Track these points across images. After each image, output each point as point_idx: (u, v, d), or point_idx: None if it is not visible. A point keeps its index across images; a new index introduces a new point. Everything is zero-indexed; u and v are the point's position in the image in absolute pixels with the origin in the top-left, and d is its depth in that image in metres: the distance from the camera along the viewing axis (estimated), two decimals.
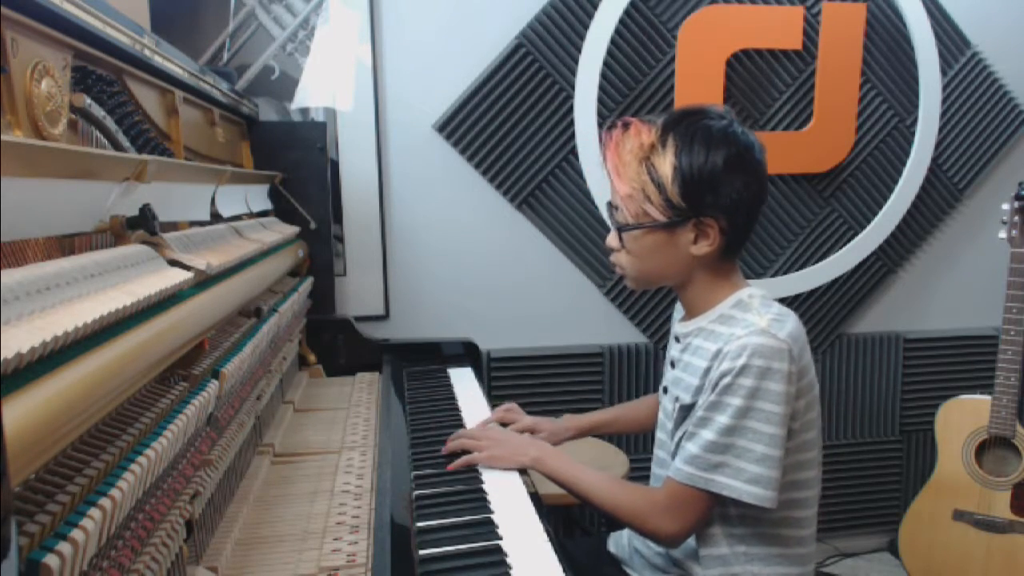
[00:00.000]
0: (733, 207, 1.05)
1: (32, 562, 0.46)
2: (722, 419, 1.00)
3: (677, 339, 1.17)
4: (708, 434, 1.02)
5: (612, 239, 1.15)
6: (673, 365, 1.17)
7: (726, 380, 1.00)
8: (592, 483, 1.14)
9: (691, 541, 1.12)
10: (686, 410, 1.08)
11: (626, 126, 1.10)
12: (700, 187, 1.04)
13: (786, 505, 1.06)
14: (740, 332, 1.02)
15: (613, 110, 2.11)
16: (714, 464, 1.01)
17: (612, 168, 1.10)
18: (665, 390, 1.19)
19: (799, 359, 1.03)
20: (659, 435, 1.22)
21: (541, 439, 1.36)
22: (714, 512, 1.08)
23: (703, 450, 1.02)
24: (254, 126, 1.78)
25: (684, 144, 1.04)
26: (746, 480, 1.00)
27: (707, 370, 1.04)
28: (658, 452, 1.22)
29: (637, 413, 1.48)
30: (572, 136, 2.10)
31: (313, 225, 1.79)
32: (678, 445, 1.09)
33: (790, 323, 1.05)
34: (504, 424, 1.39)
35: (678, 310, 1.28)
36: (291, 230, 1.64)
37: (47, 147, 0.62)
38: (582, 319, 2.23)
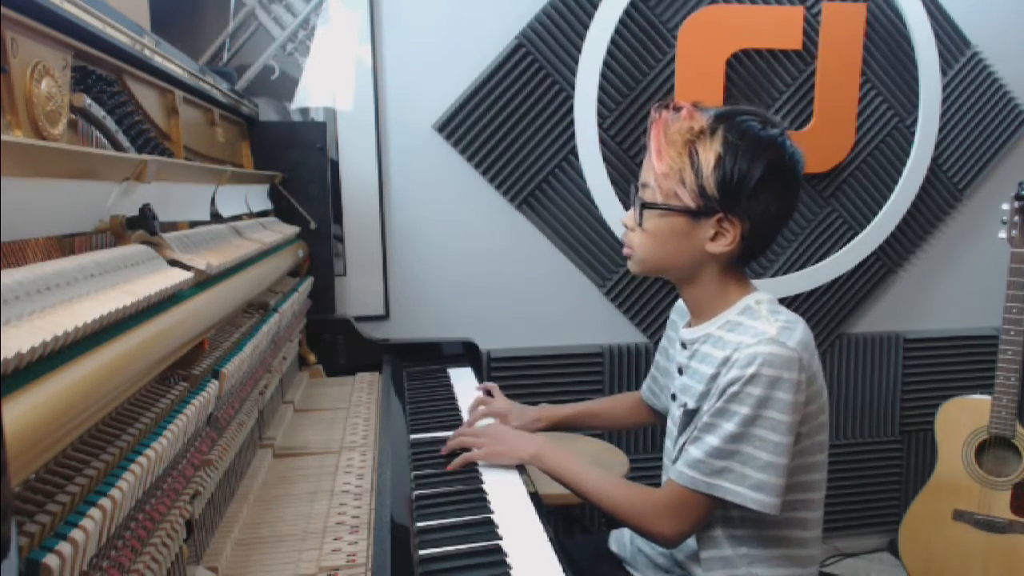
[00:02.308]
0: (761, 214, 1.05)
1: (32, 562, 0.46)
2: (728, 426, 1.00)
3: (684, 345, 1.16)
4: (713, 440, 1.01)
5: (630, 218, 1.14)
6: (681, 372, 1.16)
7: (734, 388, 0.99)
8: (592, 481, 1.14)
9: (692, 543, 1.12)
10: (690, 415, 1.08)
11: (678, 109, 1.09)
12: (737, 185, 1.03)
13: (791, 506, 1.06)
14: (750, 340, 1.00)
15: (613, 110, 2.11)
16: (717, 469, 1.01)
17: (655, 146, 1.08)
18: (674, 397, 1.18)
19: (808, 367, 1.01)
20: (667, 443, 1.21)
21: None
22: (716, 514, 1.08)
23: (707, 455, 1.01)
24: (254, 126, 1.78)
25: (734, 138, 1.03)
26: (750, 486, 0.99)
27: (714, 376, 1.04)
28: (666, 461, 1.21)
29: (616, 409, 1.48)
30: (572, 136, 2.10)
31: (313, 225, 1.79)
32: (681, 450, 1.08)
33: (799, 330, 1.03)
34: (496, 416, 1.40)
35: (677, 311, 1.28)
36: (291, 230, 1.64)
37: (47, 147, 0.62)
38: (582, 319, 2.23)
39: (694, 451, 1.03)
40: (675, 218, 1.07)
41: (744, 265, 1.12)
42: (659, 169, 1.07)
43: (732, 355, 1.01)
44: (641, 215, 1.10)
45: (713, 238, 1.06)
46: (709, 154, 1.04)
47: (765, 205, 1.04)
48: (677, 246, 1.09)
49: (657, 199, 1.08)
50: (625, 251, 1.16)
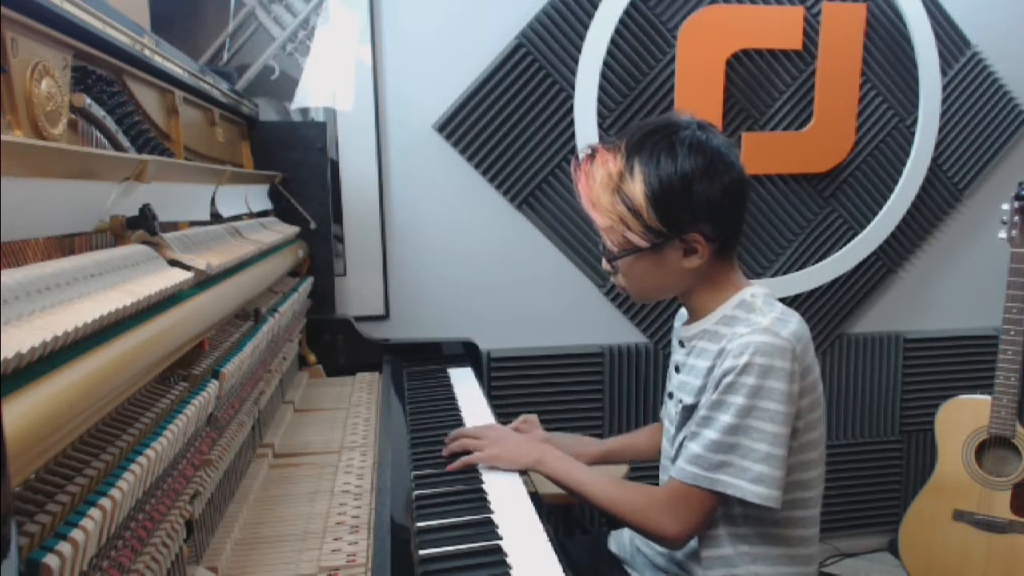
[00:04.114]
0: (714, 215, 1.05)
1: (32, 562, 0.46)
2: (725, 418, 1.00)
3: (682, 343, 1.17)
4: (711, 433, 1.01)
5: (606, 264, 1.16)
6: (678, 370, 1.17)
7: (728, 379, 1.00)
8: (593, 484, 1.14)
9: (693, 542, 1.12)
10: (688, 411, 1.08)
11: (592, 155, 1.10)
12: (675, 207, 1.04)
13: (790, 504, 1.06)
14: (743, 331, 1.02)
15: (613, 110, 2.11)
16: (717, 463, 1.01)
17: (586, 201, 1.11)
18: (670, 395, 1.18)
19: (802, 358, 1.02)
20: (663, 443, 1.21)
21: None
22: (718, 513, 1.08)
23: (706, 449, 1.01)
24: (254, 126, 1.78)
25: (650, 168, 1.04)
26: (750, 479, 0.99)
27: (710, 369, 1.04)
28: (664, 460, 1.21)
29: (641, 442, 1.46)
30: (572, 136, 2.10)
31: (313, 225, 1.79)
32: (680, 446, 1.08)
33: (793, 322, 1.04)
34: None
35: (679, 317, 1.28)
36: (291, 230, 1.64)
37: (47, 147, 0.62)
38: (582, 319, 2.23)
39: (693, 447, 1.03)
40: (642, 259, 1.09)
41: (729, 257, 1.12)
42: (602, 224, 1.10)
43: (726, 346, 1.02)
44: (612, 264, 1.13)
45: (685, 255, 1.07)
46: (637, 194, 1.04)
47: (714, 202, 1.04)
48: (658, 277, 1.11)
49: (615, 249, 1.11)
50: (619, 289, 1.19)
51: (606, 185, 1.07)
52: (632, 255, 1.09)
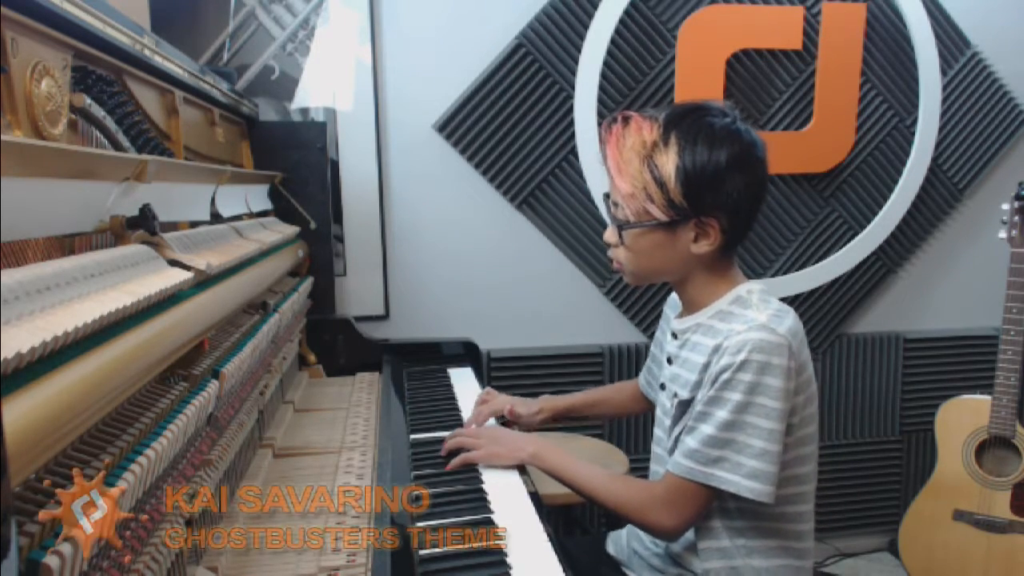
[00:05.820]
0: (735, 206, 1.05)
1: (32, 562, 0.46)
2: (721, 414, 1.01)
3: (675, 335, 1.17)
4: (707, 428, 1.02)
5: (611, 235, 1.14)
6: (671, 361, 1.17)
7: (725, 375, 1.00)
8: (591, 478, 1.14)
9: (690, 534, 1.13)
10: (684, 405, 1.09)
11: (626, 121, 1.08)
12: (703, 187, 1.04)
13: (785, 499, 1.06)
14: (739, 327, 1.02)
15: (613, 110, 2.11)
16: (713, 458, 1.02)
17: (613, 165, 1.09)
18: (663, 386, 1.19)
19: (798, 355, 1.03)
20: (657, 432, 1.22)
21: (517, 428, 1.37)
22: (713, 505, 1.08)
23: (702, 444, 1.02)
24: (254, 126, 1.78)
25: (687, 143, 1.03)
26: (744, 475, 1.00)
27: (706, 365, 1.05)
28: (656, 449, 1.22)
29: (616, 398, 1.48)
30: (572, 136, 2.10)
31: (313, 225, 1.79)
32: (677, 440, 1.09)
33: (789, 319, 1.05)
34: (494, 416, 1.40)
35: (670, 304, 1.29)
36: (291, 230, 1.64)
37: (47, 147, 0.62)
38: (582, 319, 2.23)
39: (690, 441, 1.04)
40: (654, 233, 1.08)
41: (732, 253, 1.12)
42: (624, 190, 1.08)
43: (722, 343, 1.02)
44: (620, 234, 1.11)
45: (695, 239, 1.07)
46: (668, 165, 1.04)
47: (736, 195, 1.04)
48: (663, 256, 1.10)
49: (630, 218, 1.09)
50: (614, 266, 1.17)
51: (637, 151, 1.06)
52: (645, 227, 1.08)
